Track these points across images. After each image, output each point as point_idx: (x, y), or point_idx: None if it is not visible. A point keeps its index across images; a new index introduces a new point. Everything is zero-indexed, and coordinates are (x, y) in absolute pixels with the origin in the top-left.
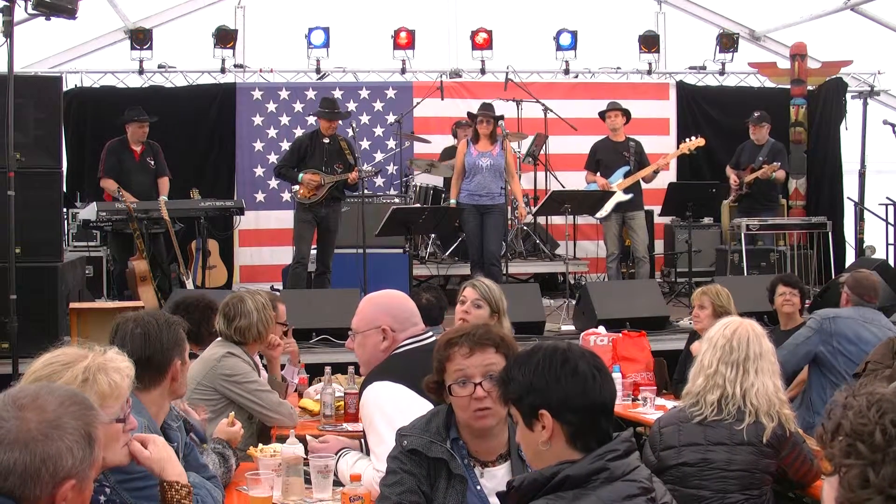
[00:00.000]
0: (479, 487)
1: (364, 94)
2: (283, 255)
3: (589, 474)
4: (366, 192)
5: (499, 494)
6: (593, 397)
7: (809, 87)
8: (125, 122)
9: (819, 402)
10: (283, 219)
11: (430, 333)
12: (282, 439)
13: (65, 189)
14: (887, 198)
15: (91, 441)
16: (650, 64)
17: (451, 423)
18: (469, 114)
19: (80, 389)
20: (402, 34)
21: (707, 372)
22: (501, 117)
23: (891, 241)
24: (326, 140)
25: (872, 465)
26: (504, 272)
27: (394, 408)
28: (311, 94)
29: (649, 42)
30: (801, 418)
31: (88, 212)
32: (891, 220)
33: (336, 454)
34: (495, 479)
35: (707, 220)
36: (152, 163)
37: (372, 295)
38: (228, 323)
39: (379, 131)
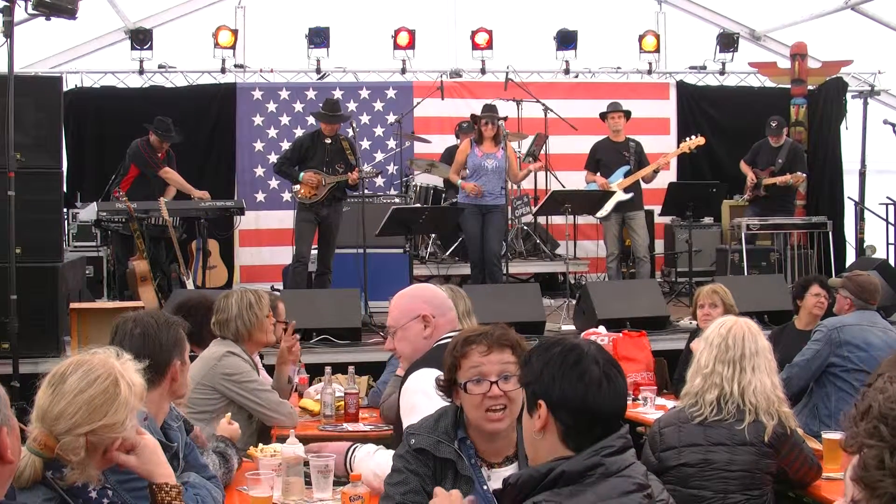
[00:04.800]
0: (485, 488)
1: (364, 94)
2: (284, 255)
3: (585, 470)
4: (366, 192)
5: (495, 492)
6: (593, 405)
7: (809, 87)
8: (152, 129)
9: (824, 410)
10: (284, 219)
11: None
12: (282, 439)
13: (65, 189)
14: (887, 197)
15: None
16: (650, 64)
17: (460, 423)
18: (473, 116)
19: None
20: (402, 34)
21: (704, 371)
22: (505, 118)
23: (891, 240)
24: (328, 140)
25: (891, 449)
26: (504, 272)
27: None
28: (311, 94)
29: (649, 42)
30: (803, 425)
31: (89, 212)
32: (891, 219)
33: (348, 450)
34: (502, 480)
35: (707, 220)
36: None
37: (401, 292)
38: (214, 316)
39: (379, 131)
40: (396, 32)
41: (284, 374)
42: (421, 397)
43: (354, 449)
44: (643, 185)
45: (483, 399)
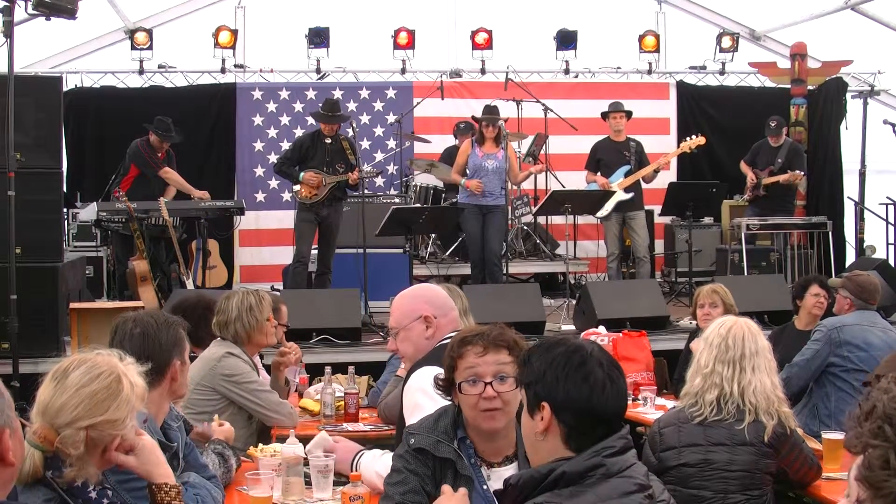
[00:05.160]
0: (485, 487)
1: (364, 94)
2: (284, 255)
3: (585, 471)
4: (366, 192)
5: (496, 493)
6: (597, 406)
7: (809, 87)
8: (152, 129)
9: (823, 410)
10: (284, 219)
11: None
12: (282, 439)
13: (65, 189)
14: (887, 197)
15: None
16: (650, 64)
17: (459, 422)
18: (473, 118)
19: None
20: (402, 34)
21: (704, 371)
22: (505, 119)
23: (891, 240)
24: (328, 140)
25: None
26: (504, 272)
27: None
28: (311, 94)
29: (649, 42)
30: (803, 425)
31: (89, 212)
32: (891, 219)
33: (354, 455)
34: (502, 479)
35: (707, 220)
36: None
37: (402, 292)
38: (215, 317)
39: (379, 131)
40: (396, 32)
41: (280, 379)
42: (421, 396)
43: (361, 455)
44: (643, 185)
45: (479, 399)
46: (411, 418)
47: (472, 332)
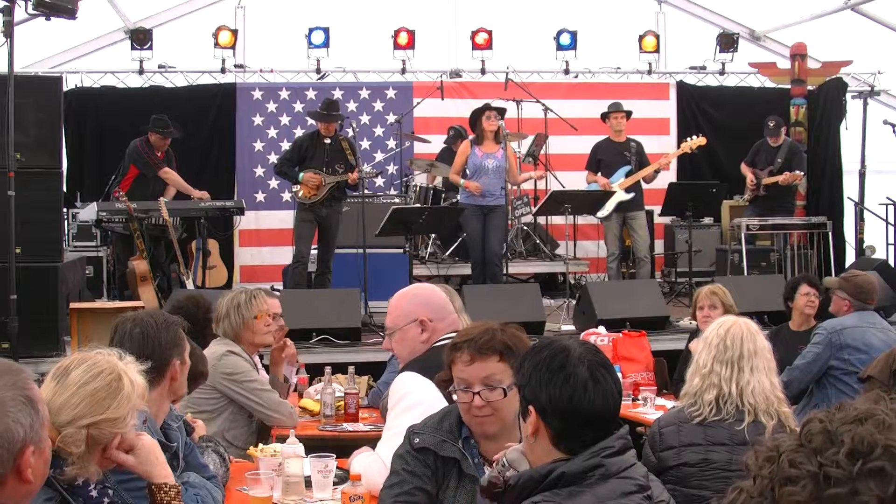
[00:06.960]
0: None
1: (364, 94)
2: (283, 255)
3: (584, 471)
4: (366, 192)
5: (496, 494)
6: (579, 407)
7: (809, 87)
8: (150, 129)
9: None
10: (283, 219)
11: None
12: (282, 439)
13: (65, 189)
14: (887, 198)
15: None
16: (650, 64)
17: (463, 422)
18: (476, 110)
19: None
20: (402, 34)
21: (703, 371)
22: (505, 111)
23: (891, 241)
24: (328, 140)
25: None
26: (504, 272)
27: (414, 400)
28: (311, 94)
29: (649, 42)
30: None
31: (89, 212)
32: (891, 220)
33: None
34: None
35: (707, 220)
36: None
37: (400, 292)
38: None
39: (379, 131)
40: (396, 32)
41: (279, 375)
42: (398, 404)
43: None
44: (643, 186)
45: (469, 406)
46: (387, 419)
47: (463, 338)
